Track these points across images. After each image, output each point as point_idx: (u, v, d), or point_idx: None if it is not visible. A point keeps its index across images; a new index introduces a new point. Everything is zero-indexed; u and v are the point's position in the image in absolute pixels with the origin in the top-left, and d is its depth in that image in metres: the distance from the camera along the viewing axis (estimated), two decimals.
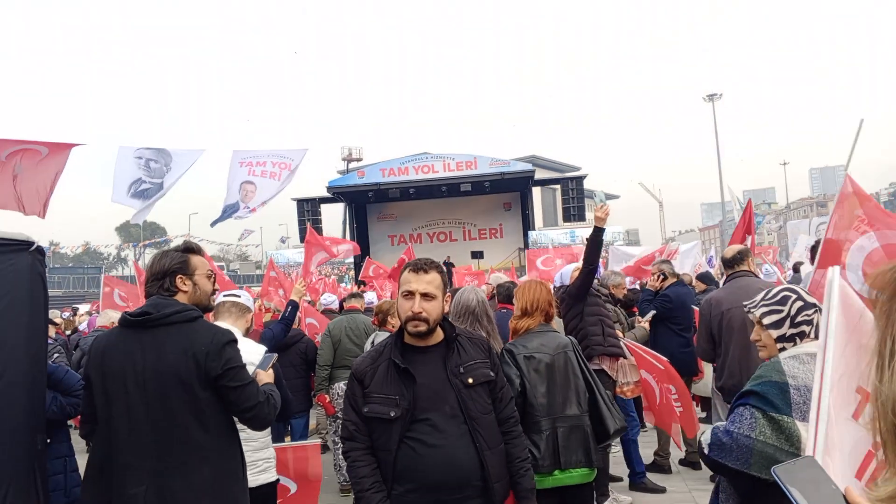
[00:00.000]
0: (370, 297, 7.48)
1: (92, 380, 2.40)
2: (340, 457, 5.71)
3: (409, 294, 2.30)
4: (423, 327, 2.29)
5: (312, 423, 7.26)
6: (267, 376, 2.67)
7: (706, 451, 2.10)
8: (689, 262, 14.29)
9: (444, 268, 2.46)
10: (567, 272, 5.18)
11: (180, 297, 2.48)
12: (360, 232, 31.16)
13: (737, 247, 4.81)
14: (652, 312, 5.69)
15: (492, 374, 2.40)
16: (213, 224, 9.02)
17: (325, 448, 7.45)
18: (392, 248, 30.94)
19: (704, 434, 2.18)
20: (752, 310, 2.25)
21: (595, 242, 4.58)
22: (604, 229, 4.60)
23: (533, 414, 2.94)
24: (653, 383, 5.05)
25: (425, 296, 2.29)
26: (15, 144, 6.99)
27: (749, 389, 2.08)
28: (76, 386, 2.71)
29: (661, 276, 6.15)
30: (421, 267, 2.34)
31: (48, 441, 2.61)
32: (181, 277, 2.49)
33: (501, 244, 30.03)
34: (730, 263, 4.61)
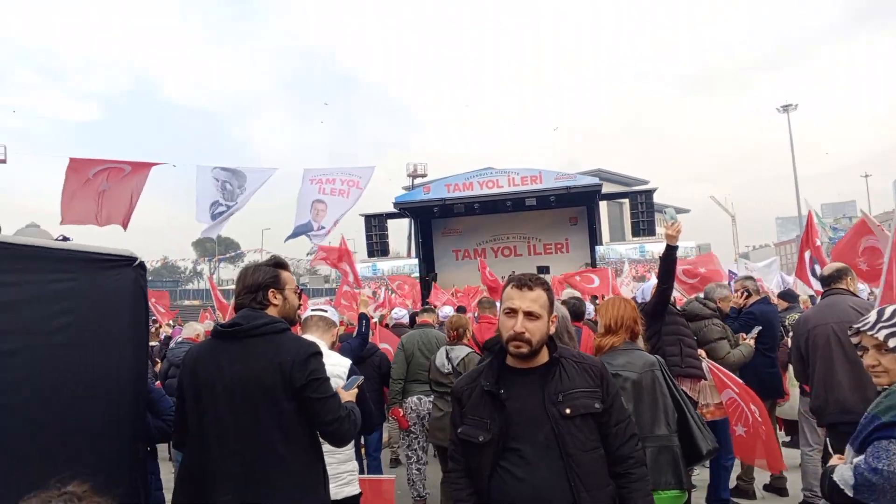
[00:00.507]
0: (447, 311, 7.45)
1: (184, 389, 2.47)
2: (414, 471, 5.72)
3: (512, 312, 2.12)
4: (524, 349, 2.10)
5: (385, 436, 7.31)
6: (349, 396, 2.68)
7: (850, 492, 1.93)
8: (769, 279, 13.67)
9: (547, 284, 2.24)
10: (648, 288, 5.02)
11: (271, 311, 2.53)
12: (425, 247, 31.42)
13: (835, 265, 4.55)
14: (758, 329, 5.36)
15: (598, 405, 2.11)
16: (287, 240, 9.29)
17: (397, 462, 7.50)
18: (457, 263, 31.04)
19: (838, 473, 2.01)
20: (866, 332, 2.08)
21: (668, 261, 4.40)
22: (676, 247, 4.39)
23: None
24: (741, 403, 4.79)
25: (529, 315, 2.11)
26: (101, 164, 7.50)
27: (889, 421, 1.91)
28: (167, 411, 2.74)
29: (745, 293, 5.91)
30: (525, 283, 2.16)
31: None
32: (273, 291, 2.55)
33: (567, 259, 29.59)
34: (826, 281, 4.40)
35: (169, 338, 9.70)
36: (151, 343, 10.79)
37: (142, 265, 2.44)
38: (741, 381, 4.83)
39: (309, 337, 3.19)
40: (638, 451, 2.20)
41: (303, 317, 3.44)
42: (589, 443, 2.09)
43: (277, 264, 2.65)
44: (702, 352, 4.81)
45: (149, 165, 7.95)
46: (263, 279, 2.55)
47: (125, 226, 7.67)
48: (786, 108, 41.01)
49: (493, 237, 31.63)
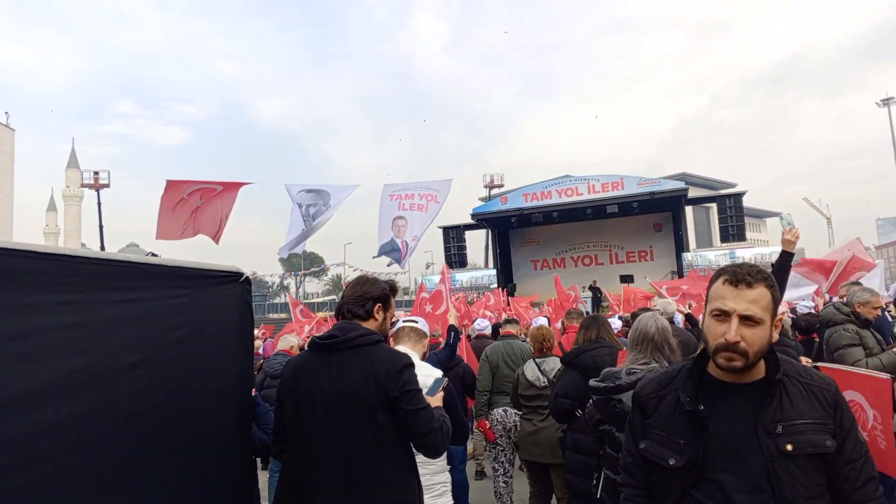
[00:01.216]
0: (541, 321, 7.37)
1: (283, 400, 2.55)
2: (501, 483, 5.67)
3: (723, 315, 1.69)
4: (739, 362, 1.67)
5: (470, 447, 7.30)
6: (436, 401, 2.70)
7: None
8: (872, 286, 12.72)
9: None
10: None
11: (370, 324, 2.62)
12: (502, 257, 31.35)
13: None
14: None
15: (829, 443, 1.64)
16: (375, 257, 9.52)
17: (482, 475, 7.48)
18: (535, 273, 30.76)
19: None
20: None
21: (783, 268, 4.14)
22: (793, 254, 4.16)
23: None
24: (864, 406, 4.36)
25: (747, 319, 1.66)
26: (195, 185, 8.02)
27: None
28: (269, 425, 2.81)
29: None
30: (743, 278, 1.70)
31: None
32: (380, 307, 2.68)
33: (652, 267, 28.71)
34: None
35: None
36: None
37: (247, 280, 2.56)
38: (874, 377, 4.35)
39: (401, 348, 3.26)
40: (878, 498, 1.69)
41: (395, 327, 3.50)
42: (814, 488, 1.65)
43: (392, 287, 2.79)
44: (806, 360, 4.51)
45: (239, 185, 8.39)
46: (378, 293, 2.68)
47: (217, 240, 8.11)
48: (886, 102, 38.41)
49: (572, 246, 31.17)
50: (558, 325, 7.94)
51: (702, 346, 1.79)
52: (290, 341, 6.34)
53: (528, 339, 6.19)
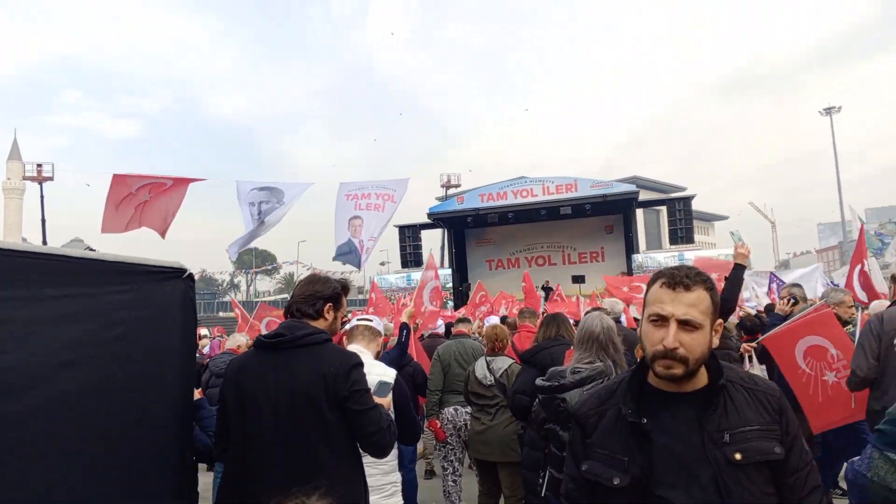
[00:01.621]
0: (493, 320, 7.41)
1: (227, 400, 2.51)
2: (450, 482, 5.70)
3: (660, 320, 1.60)
4: (678, 370, 1.57)
5: (420, 447, 7.31)
6: (385, 401, 2.70)
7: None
8: (811, 287, 13.28)
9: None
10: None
11: (319, 324, 2.61)
12: (458, 257, 31.47)
13: None
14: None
15: (778, 450, 1.56)
16: (334, 259, 9.38)
17: (432, 473, 7.50)
18: (490, 273, 30.96)
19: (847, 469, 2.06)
20: None
21: (736, 280, 4.43)
22: (745, 266, 4.51)
23: None
24: (829, 348, 4.44)
25: (685, 324, 1.58)
26: (143, 179, 7.81)
27: (877, 426, 1.97)
28: (213, 428, 2.72)
29: (792, 301, 5.85)
30: (681, 281, 1.61)
31: None
32: (330, 306, 2.66)
33: (603, 268, 29.27)
34: None
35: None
36: None
37: (191, 277, 2.51)
38: (817, 313, 4.51)
39: (355, 346, 3.26)
40: None
41: (348, 325, 3.49)
42: (764, 498, 1.55)
43: (344, 287, 2.76)
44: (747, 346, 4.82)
45: (189, 181, 8.19)
46: (329, 292, 2.66)
47: (163, 234, 7.92)
48: (829, 111, 40.11)
49: (527, 246, 31.51)
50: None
51: (640, 354, 1.70)
52: (238, 340, 6.24)
53: (481, 339, 6.24)
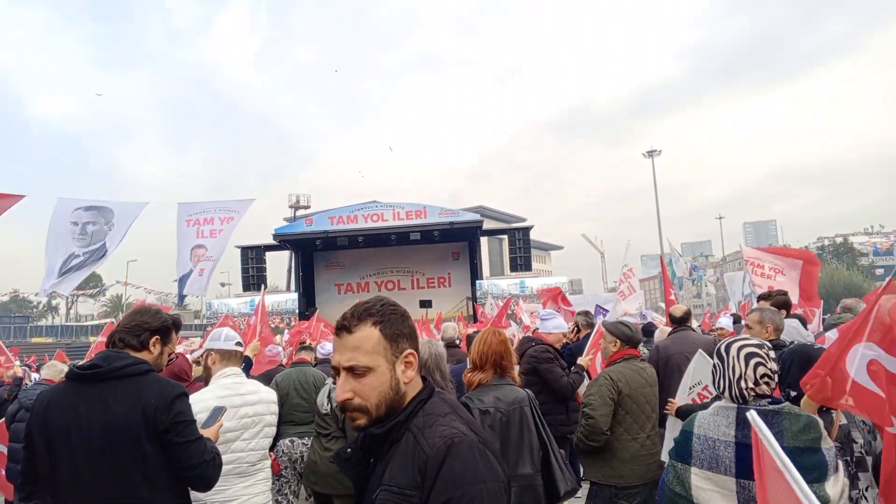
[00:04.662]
0: (329, 347, 7.15)
1: (34, 437, 2.33)
2: None
3: (335, 370, 1.49)
4: (361, 420, 1.45)
5: None
6: (211, 433, 2.64)
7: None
8: (634, 308, 14.56)
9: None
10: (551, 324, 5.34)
11: (143, 356, 2.50)
12: (305, 280, 30.72)
13: (683, 307, 5.64)
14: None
15: None
16: (181, 297, 8.63)
17: None
18: (339, 298, 30.56)
19: None
20: None
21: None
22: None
23: None
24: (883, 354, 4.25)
25: (351, 371, 1.45)
26: None
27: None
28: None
29: (576, 329, 6.07)
30: (341, 325, 1.49)
31: None
32: (157, 339, 2.57)
33: (450, 293, 30.12)
34: (679, 320, 5.43)
35: (20, 378, 8.70)
36: None
37: None
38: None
39: (232, 369, 3.30)
40: None
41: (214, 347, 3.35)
42: None
43: (175, 323, 2.69)
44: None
45: (13, 197, 7.00)
46: (158, 324, 2.58)
47: None
48: (651, 154, 44.71)
49: (376, 271, 31.55)
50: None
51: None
52: (59, 368, 5.57)
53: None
